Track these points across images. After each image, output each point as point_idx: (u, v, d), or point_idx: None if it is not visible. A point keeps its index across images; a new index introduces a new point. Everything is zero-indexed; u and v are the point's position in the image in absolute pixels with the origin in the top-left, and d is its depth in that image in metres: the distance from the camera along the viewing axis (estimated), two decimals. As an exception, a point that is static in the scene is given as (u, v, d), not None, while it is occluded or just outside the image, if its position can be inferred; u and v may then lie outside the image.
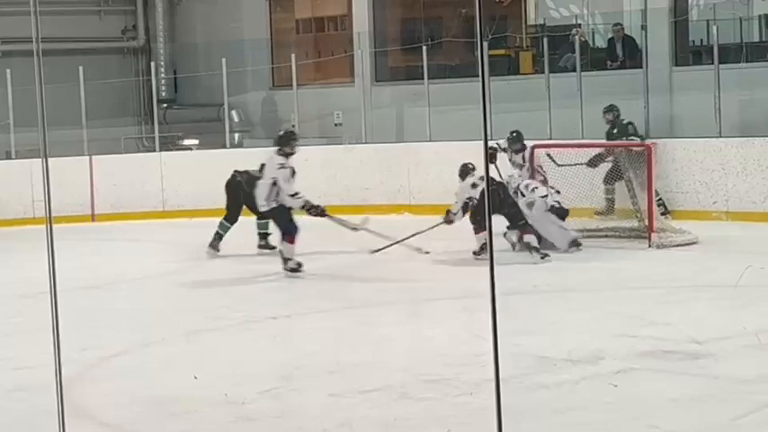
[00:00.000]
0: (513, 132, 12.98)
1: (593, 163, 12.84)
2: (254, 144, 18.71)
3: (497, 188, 11.43)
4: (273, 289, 10.43)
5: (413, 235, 11.25)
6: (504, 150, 12.82)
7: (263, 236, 12.50)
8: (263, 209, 11.14)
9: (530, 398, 6.13)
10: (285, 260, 10.87)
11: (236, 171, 12.76)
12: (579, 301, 9.17)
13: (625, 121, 14.10)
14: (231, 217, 12.52)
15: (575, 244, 11.60)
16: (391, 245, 11.14)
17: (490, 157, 12.01)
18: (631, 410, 5.85)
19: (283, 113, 18.60)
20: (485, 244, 11.39)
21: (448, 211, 11.60)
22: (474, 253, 11.37)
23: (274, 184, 10.86)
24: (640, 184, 12.16)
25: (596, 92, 15.36)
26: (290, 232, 10.86)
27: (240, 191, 12.51)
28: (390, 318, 8.93)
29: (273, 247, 12.02)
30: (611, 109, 14.24)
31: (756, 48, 16.38)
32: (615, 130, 14.02)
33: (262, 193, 11.01)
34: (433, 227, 11.54)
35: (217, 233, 12.43)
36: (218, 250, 12.35)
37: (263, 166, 11.69)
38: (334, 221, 11.71)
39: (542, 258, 11.04)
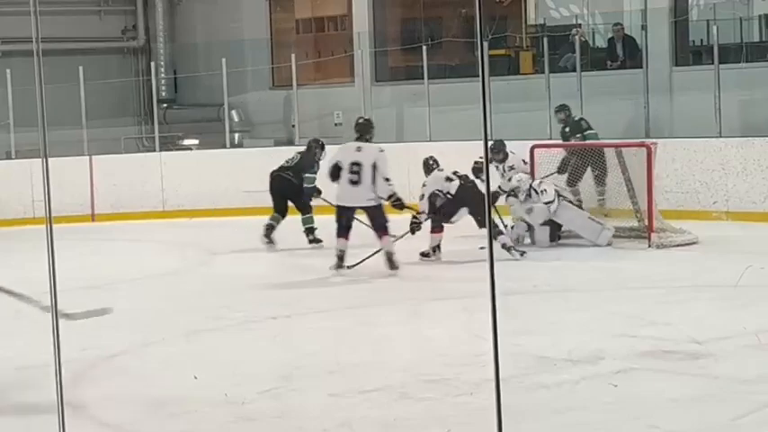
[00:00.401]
0: (495, 141, 12.65)
1: (561, 169, 12.89)
2: (254, 144, 18.74)
3: (472, 185, 11.40)
4: (273, 289, 10.41)
5: (378, 250, 10.99)
6: (491, 158, 12.64)
7: (311, 230, 12.61)
8: (370, 203, 10.60)
9: (530, 398, 6.13)
10: (391, 257, 10.53)
11: (274, 171, 12.84)
12: (579, 301, 9.17)
13: (577, 118, 14.07)
14: (281, 212, 12.65)
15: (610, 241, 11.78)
16: (365, 260, 10.86)
17: (478, 171, 11.98)
18: (631, 410, 5.85)
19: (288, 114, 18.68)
20: (437, 246, 11.28)
21: (414, 221, 11.31)
22: (422, 254, 11.11)
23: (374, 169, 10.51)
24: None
25: (596, 92, 15.37)
26: (387, 227, 10.63)
27: (286, 187, 12.66)
28: (390, 318, 8.93)
29: (321, 241, 12.27)
30: (562, 108, 14.18)
31: (756, 48, 16.39)
32: (567, 129, 13.99)
33: (368, 182, 10.50)
34: (399, 237, 11.11)
35: (269, 224, 12.54)
36: (272, 242, 12.44)
37: (301, 156, 12.18)
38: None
39: (522, 255, 11.09)
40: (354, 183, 10.54)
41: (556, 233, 12.00)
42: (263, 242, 12.42)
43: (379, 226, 10.60)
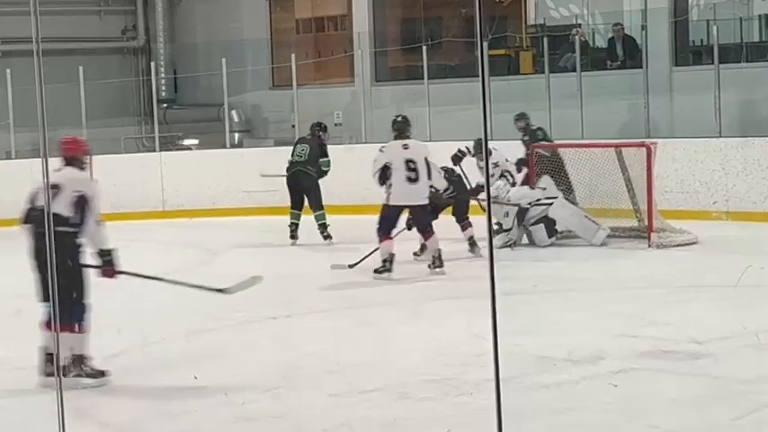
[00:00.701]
0: (479, 139, 12.65)
1: (518, 168, 12.92)
2: (254, 144, 18.74)
3: (458, 179, 11.56)
4: (273, 289, 10.40)
5: (377, 248, 10.91)
6: (473, 155, 12.59)
7: (324, 226, 12.70)
8: (425, 201, 10.51)
9: (530, 398, 6.13)
10: (439, 256, 10.41)
11: (290, 167, 12.94)
12: (579, 301, 9.17)
13: (534, 128, 13.96)
14: (299, 207, 12.88)
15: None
16: (365, 258, 10.81)
17: (456, 159, 12.00)
18: (631, 410, 5.86)
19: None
20: (424, 244, 11.23)
21: (409, 218, 11.10)
22: (415, 254, 11.00)
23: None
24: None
25: (596, 92, 15.38)
26: (432, 226, 10.56)
27: (305, 182, 12.79)
28: (390, 318, 8.93)
29: (332, 237, 12.54)
30: (521, 117, 14.01)
31: (756, 48, 16.39)
32: (526, 137, 13.90)
33: (425, 177, 10.40)
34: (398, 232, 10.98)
35: (292, 223, 12.79)
36: (296, 238, 12.77)
37: (309, 145, 12.58)
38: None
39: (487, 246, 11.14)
40: (413, 180, 10.40)
41: (553, 229, 12.01)
42: (292, 243, 12.71)
43: (425, 225, 10.55)
